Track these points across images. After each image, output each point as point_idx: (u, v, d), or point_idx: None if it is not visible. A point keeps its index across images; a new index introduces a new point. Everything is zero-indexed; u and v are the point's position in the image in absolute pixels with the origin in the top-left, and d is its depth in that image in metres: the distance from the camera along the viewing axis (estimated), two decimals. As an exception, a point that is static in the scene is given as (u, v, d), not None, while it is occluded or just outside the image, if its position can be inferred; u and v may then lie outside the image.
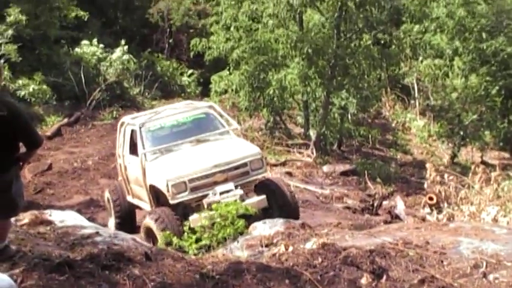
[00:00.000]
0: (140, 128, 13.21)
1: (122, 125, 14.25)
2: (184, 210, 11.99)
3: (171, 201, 11.94)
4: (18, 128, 6.12)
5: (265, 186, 12.65)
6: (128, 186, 13.85)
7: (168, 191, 11.92)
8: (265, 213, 11.73)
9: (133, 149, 13.34)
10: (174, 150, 12.91)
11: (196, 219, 11.16)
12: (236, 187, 12.02)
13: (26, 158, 6.40)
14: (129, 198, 13.92)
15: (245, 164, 12.36)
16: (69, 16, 28.35)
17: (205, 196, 11.91)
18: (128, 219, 13.92)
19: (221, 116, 14.02)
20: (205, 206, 11.66)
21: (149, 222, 11.64)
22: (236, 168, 12.30)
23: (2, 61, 23.54)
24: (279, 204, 12.36)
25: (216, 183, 12.03)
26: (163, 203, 12.30)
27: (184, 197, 11.97)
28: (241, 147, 12.90)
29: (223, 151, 12.63)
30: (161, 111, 14.52)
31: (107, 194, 14.57)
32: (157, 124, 13.56)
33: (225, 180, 12.09)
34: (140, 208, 13.74)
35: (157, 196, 12.61)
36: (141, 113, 15.86)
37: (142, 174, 12.71)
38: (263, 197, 12.10)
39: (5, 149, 6.15)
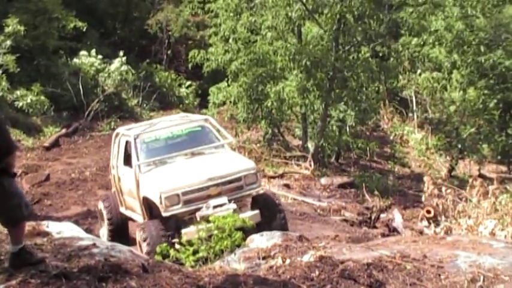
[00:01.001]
0: (135, 139, 13.15)
1: (116, 135, 14.17)
2: (177, 223, 11.91)
3: (164, 214, 11.85)
4: None
5: (260, 201, 12.57)
6: (121, 198, 13.77)
7: (161, 203, 11.83)
8: (257, 227, 11.68)
9: (127, 160, 13.27)
10: (168, 162, 12.84)
11: (189, 233, 11.13)
12: (229, 201, 11.93)
13: (7, 168, 6.29)
14: (122, 210, 13.83)
15: (239, 179, 12.24)
16: (67, 27, 28.44)
17: (198, 209, 11.82)
18: (120, 231, 13.81)
19: (217, 129, 13.94)
20: (198, 219, 11.57)
21: (139, 238, 11.67)
22: (230, 182, 12.19)
23: (1, 71, 23.62)
24: (272, 223, 12.21)
25: (209, 196, 11.94)
26: (156, 216, 12.21)
27: (177, 209, 11.87)
28: (236, 162, 12.81)
29: (217, 165, 12.55)
30: (156, 123, 14.47)
31: (100, 205, 14.47)
32: (152, 136, 13.49)
33: (219, 194, 12.01)
34: (133, 220, 13.69)
35: (150, 208, 12.50)
36: (136, 124, 15.81)
37: (136, 186, 12.64)
38: (256, 212, 12.03)
39: None
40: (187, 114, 16.58)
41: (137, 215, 13.07)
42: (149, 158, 12.94)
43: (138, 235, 11.71)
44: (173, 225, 11.80)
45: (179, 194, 11.86)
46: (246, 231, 10.66)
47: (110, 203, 14.09)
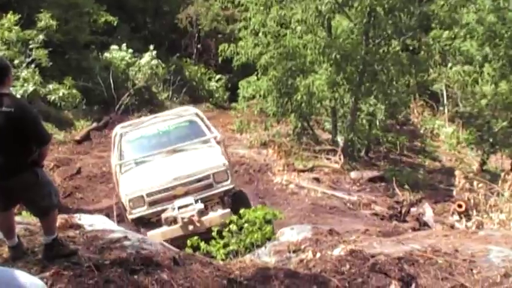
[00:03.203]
0: (121, 137, 13.06)
1: (115, 132, 14.09)
2: (148, 225, 11.67)
3: (129, 216, 11.71)
4: (26, 124, 6.19)
5: (234, 199, 12.22)
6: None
7: (126, 205, 11.74)
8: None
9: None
10: (146, 161, 12.67)
11: (154, 235, 10.86)
12: (197, 201, 11.58)
13: (39, 159, 6.46)
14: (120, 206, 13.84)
15: (208, 177, 11.93)
16: (98, 21, 28.70)
17: (164, 210, 11.57)
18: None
19: (205, 123, 13.63)
20: (163, 221, 11.38)
21: None
22: (198, 181, 11.89)
23: (33, 65, 23.87)
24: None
25: (176, 197, 11.68)
26: None
27: (143, 211, 11.69)
28: (206, 159, 12.41)
29: (187, 163, 12.23)
30: (149, 119, 14.31)
31: (113, 201, 14.46)
32: (137, 134, 13.36)
33: (186, 194, 11.74)
34: None
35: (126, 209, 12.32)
36: (131, 121, 15.70)
37: (117, 186, 12.55)
38: (227, 210, 11.54)
39: (15, 151, 6.21)
40: (186, 107, 16.04)
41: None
42: (133, 157, 12.82)
43: None
44: (144, 228, 11.55)
45: (143, 195, 11.67)
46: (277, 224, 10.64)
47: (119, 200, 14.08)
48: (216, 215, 11.39)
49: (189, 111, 14.50)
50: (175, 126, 13.54)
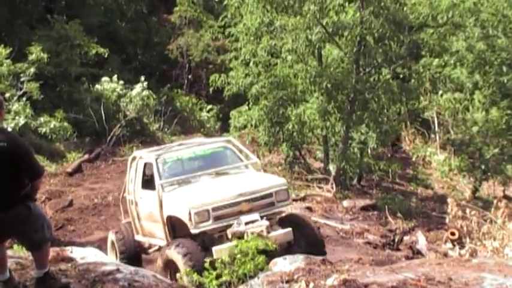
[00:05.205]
0: (156, 159, 12.83)
1: (133, 159, 13.87)
2: (204, 241, 11.54)
3: (193, 231, 11.43)
4: (18, 158, 6.15)
5: (290, 220, 12.16)
6: (138, 224, 13.41)
7: (190, 219, 11.41)
8: (287, 249, 11.26)
9: (146, 184, 12.97)
10: (192, 181, 12.49)
11: (219, 250, 10.72)
12: (261, 218, 11.49)
13: (31, 193, 6.41)
14: (139, 237, 13.48)
15: (270, 195, 11.89)
16: (89, 53, 28.75)
17: (229, 226, 11.40)
18: (134, 263, 13.28)
19: (239, 150, 13.61)
20: (229, 236, 11.23)
21: (175, 255, 11.07)
22: (262, 198, 11.81)
23: (25, 98, 23.89)
24: (307, 240, 11.84)
25: (240, 212, 11.51)
26: (180, 236, 11.84)
27: (208, 226, 11.44)
28: (266, 178, 12.59)
29: (247, 181, 12.22)
30: (174, 145, 14.19)
31: (111, 237, 14.12)
32: (173, 156, 13.20)
33: (250, 210, 11.58)
34: (147, 250, 13.59)
35: (173, 229, 12.14)
36: (154, 147, 15.62)
37: (159, 206, 12.24)
38: (289, 229, 11.55)
39: (7, 185, 6.17)
40: (204, 139, 16.21)
41: (157, 239, 12.72)
42: (172, 177, 12.59)
43: (174, 252, 11.13)
44: (201, 243, 11.37)
45: (209, 209, 11.42)
46: (274, 253, 10.53)
47: (124, 235, 13.74)
48: (281, 233, 11.39)
49: (218, 138, 14.71)
50: (211, 151, 13.46)
